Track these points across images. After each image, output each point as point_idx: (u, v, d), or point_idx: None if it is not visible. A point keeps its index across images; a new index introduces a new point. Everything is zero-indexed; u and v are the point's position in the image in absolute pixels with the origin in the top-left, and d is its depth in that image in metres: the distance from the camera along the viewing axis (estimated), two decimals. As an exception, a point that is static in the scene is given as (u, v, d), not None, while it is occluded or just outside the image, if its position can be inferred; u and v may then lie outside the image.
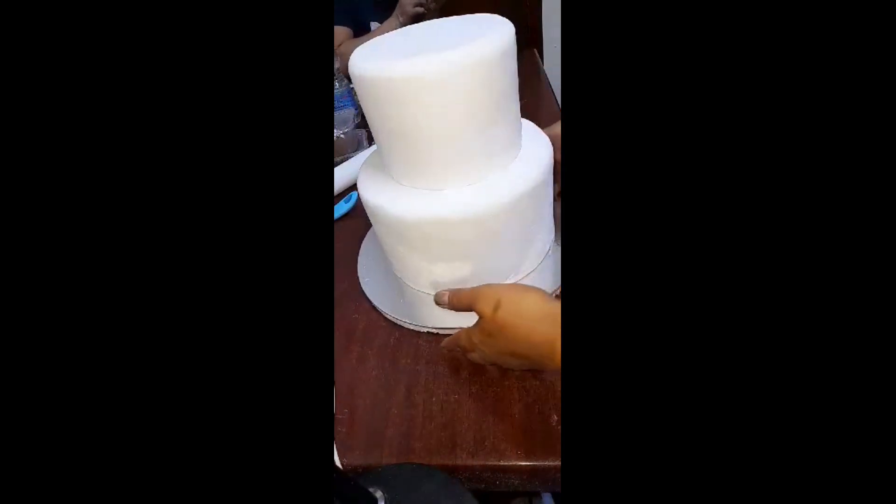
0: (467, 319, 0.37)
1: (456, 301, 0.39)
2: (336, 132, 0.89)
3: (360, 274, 0.54)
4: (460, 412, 0.38)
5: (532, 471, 0.34)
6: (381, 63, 0.36)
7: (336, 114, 0.92)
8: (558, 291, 0.46)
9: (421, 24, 0.45)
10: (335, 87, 0.92)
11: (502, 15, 0.40)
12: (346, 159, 0.75)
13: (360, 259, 0.56)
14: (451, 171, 0.40)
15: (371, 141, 0.75)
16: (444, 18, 0.44)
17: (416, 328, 0.45)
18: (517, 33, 0.38)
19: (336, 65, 0.93)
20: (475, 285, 0.37)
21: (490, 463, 0.34)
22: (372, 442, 0.37)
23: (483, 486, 0.35)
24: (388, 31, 0.47)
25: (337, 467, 0.31)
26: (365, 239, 0.59)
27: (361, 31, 1.19)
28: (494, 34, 0.36)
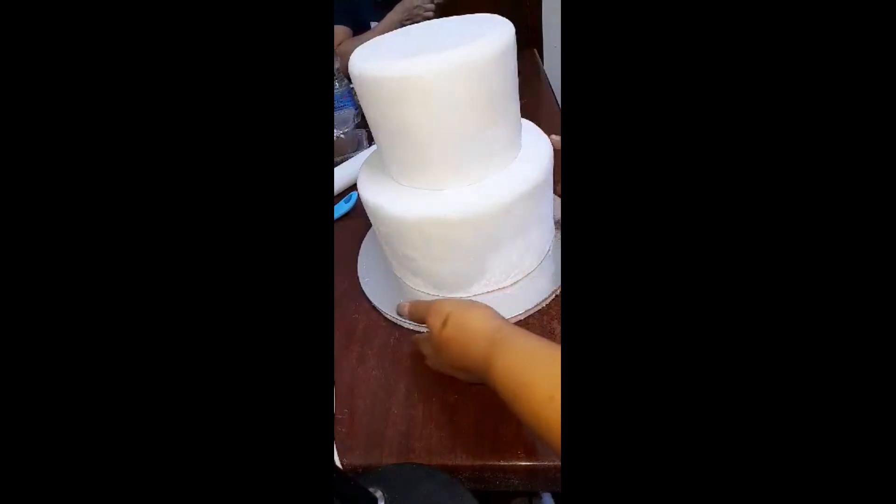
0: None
1: (414, 312, 0.40)
2: (336, 132, 0.89)
3: (360, 274, 0.54)
4: (460, 412, 0.38)
5: (532, 471, 0.34)
6: (381, 63, 0.36)
7: (336, 114, 0.92)
8: (558, 291, 0.46)
9: (421, 24, 0.45)
10: (335, 87, 0.92)
11: (502, 15, 0.40)
12: (346, 159, 0.75)
13: (360, 259, 0.56)
14: (451, 171, 0.40)
15: (371, 141, 0.75)
16: (444, 18, 0.44)
17: (416, 328, 0.45)
18: (517, 33, 0.38)
19: (336, 65, 0.93)
20: (475, 284, 0.37)
21: (490, 463, 0.34)
22: (372, 442, 0.37)
23: (483, 486, 0.35)
24: (388, 27, 0.47)
25: (337, 467, 0.31)
26: (365, 239, 0.59)
27: (361, 30, 1.19)
28: (494, 34, 0.36)
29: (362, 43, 0.42)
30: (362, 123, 0.92)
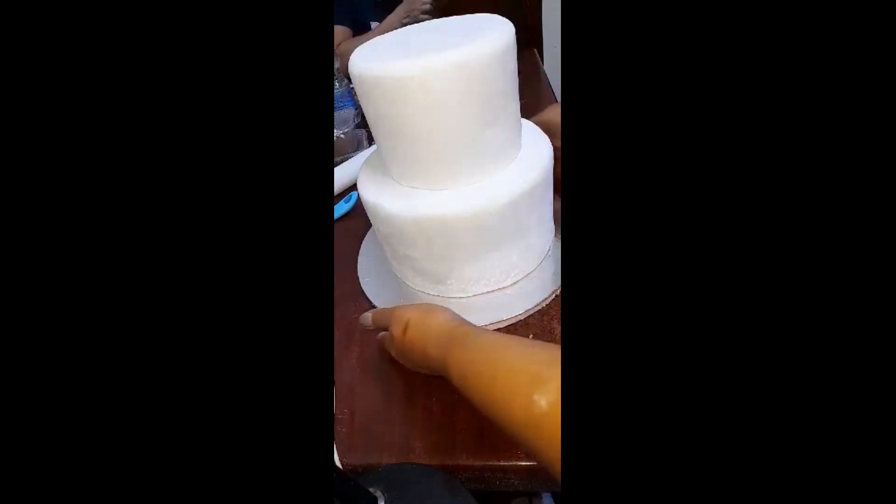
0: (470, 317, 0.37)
1: (378, 320, 0.42)
2: (336, 132, 0.89)
3: (360, 274, 0.54)
4: (460, 412, 0.38)
5: (532, 471, 0.34)
6: (381, 63, 0.36)
7: (336, 114, 0.92)
8: (558, 291, 0.46)
9: (421, 24, 0.45)
10: (335, 87, 0.92)
11: (502, 15, 0.40)
12: (346, 159, 0.75)
13: (360, 259, 0.56)
14: (451, 171, 0.40)
15: (371, 141, 0.75)
16: (444, 18, 0.44)
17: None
18: (517, 33, 0.38)
19: (336, 65, 0.93)
20: (476, 284, 0.37)
21: (490, 463, 0.34)
22: (372, 442, 0.37)
23: (483, 486, 0.35)
24: (388, 28, 0.47)
25: (337, 467, 0.31)
26: (365, 239, 0.59)
27: (361, 30, 1.19)
28: (494, 34, 0.36)
29: (362, 43, 0.42)
30: (362, 123, 0.92)
